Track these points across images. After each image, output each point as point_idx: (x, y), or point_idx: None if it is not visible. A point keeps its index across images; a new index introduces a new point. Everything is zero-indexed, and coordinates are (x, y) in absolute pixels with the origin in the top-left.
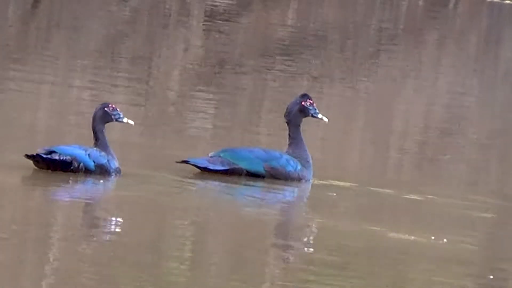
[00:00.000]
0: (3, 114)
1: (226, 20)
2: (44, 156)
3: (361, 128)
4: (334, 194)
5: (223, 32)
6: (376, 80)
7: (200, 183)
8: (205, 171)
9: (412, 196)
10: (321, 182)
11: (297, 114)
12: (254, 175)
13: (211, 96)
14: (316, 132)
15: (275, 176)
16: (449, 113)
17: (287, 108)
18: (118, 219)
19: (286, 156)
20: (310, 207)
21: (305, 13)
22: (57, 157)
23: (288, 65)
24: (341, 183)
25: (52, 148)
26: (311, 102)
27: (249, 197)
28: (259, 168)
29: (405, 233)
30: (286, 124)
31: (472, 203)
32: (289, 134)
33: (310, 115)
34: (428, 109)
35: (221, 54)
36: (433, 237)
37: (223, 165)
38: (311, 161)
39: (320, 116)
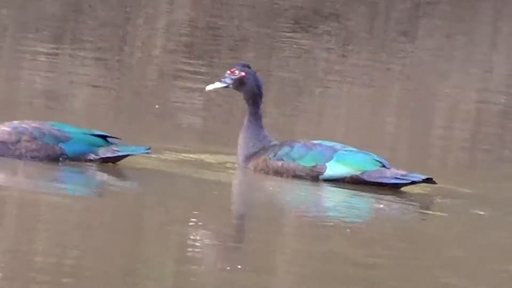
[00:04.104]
0: None
1: None
2: None
3: (395, 112)
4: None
5: None
6: (412, 60)
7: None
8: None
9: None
10: None
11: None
12: None
13: (201, 75)
14: (341, 115)
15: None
16: (504, 101)
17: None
18: None
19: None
20: None
21: None
22: None
23: (301, 38)
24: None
25: None
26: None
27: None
28: None
29: None
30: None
31: None
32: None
33: None
34: (478, 95)
35: (215, 21)
36: None
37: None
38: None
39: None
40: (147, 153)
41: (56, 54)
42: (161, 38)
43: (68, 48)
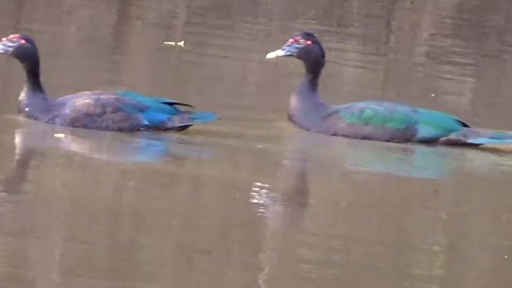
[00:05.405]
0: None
1: None
2: None
3: None
4: None
5: None
6: None
7: None
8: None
9: None
10: None
11: None
12: None
13: (470, 60)
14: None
15: None
16: None
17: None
18: None
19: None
20: None
21: None
22: None
23: None
24: None
25: None
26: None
27: None
28: None
29: None
30: None
31: None
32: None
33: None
34: None
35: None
36: None
37: None
38: None
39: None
40: (218, 119)
41: (323, 35)
42: (428, 21)
43: (334, 31)
